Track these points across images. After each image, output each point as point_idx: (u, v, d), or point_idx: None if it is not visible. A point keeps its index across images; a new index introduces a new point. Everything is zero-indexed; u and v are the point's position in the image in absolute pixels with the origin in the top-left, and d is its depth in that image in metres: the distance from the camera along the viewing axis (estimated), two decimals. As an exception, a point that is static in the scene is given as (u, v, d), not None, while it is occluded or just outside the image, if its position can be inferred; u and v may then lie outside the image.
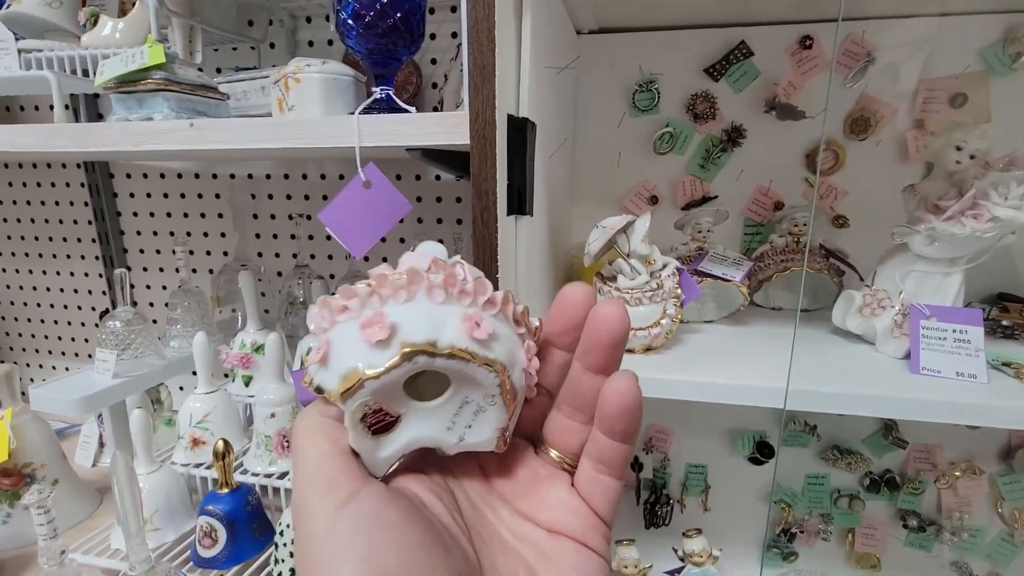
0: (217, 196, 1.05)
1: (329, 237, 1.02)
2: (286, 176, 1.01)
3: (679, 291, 0.60)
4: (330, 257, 1.03)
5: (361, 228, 0.51)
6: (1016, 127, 0.68)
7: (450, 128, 0.46)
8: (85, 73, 0.75)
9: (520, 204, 0.46)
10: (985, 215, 0.49)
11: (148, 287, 1.14)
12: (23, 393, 0.82)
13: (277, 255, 1.06)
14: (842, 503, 0.86)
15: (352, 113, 0.51)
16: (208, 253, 1.09)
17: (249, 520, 0.66)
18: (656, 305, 0.58)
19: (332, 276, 1.03)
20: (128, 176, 1.08)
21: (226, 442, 0.65)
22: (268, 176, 1.02)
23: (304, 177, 1.01)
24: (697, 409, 0.90)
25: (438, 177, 0.94)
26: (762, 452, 0.87)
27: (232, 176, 1.03)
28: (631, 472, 0.93)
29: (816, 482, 0.87)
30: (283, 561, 0.63)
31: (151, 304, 1.15)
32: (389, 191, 0.53)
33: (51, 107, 0.72)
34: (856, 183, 0.74)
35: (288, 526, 0.64)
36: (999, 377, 0.51)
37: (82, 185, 1.10)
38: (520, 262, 0.48)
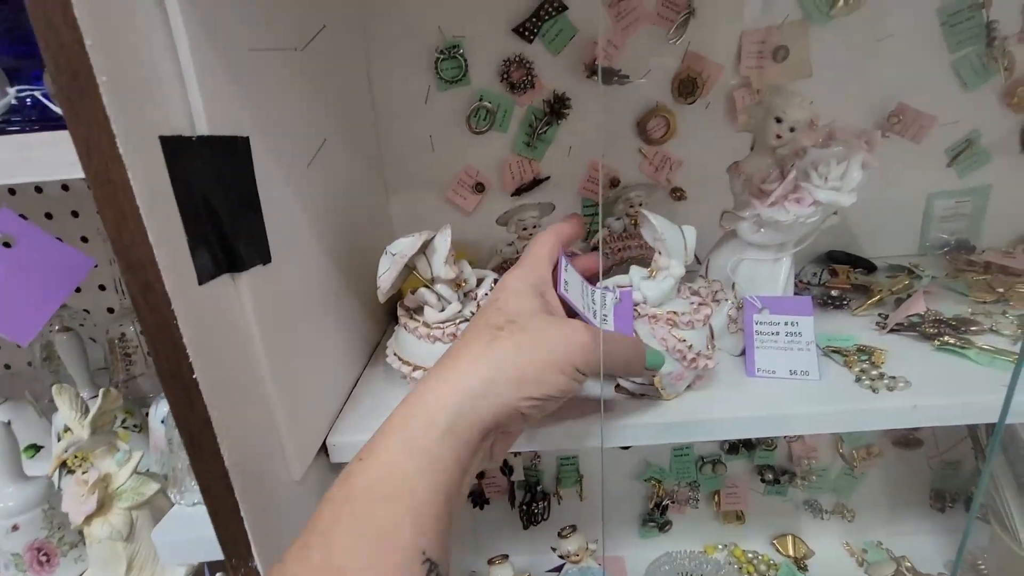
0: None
1: None
2: None
3: (501, 311, 0.50)
4: None
5: (19, 304, 0.33)
6: (837, 79, 0.65)
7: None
8: None
9: (233, 257, 0.32)
10: (807, 199, 0.44)
11: None
12: None
13: None
14: (706, 469, 0.87)
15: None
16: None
17: None
18: (472, 336, 0.48)
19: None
20: None
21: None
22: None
23: None
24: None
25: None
26: (628, 436, 0.84)
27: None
28: (503, 476, 0.87)
29: (682, 454, 0.87)
30: None
31: None
32: (48, 246, 0.36)
33: None
34: (690, 151, 0.68)
35: None
36: (830, 367, 0.48)
37: None
38: (259, 333, 0.35)
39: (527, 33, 0.61)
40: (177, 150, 0.28)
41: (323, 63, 0.49)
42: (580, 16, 0.62)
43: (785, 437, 0.84)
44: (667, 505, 0.89)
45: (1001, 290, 0.59)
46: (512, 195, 0.69)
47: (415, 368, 0.47)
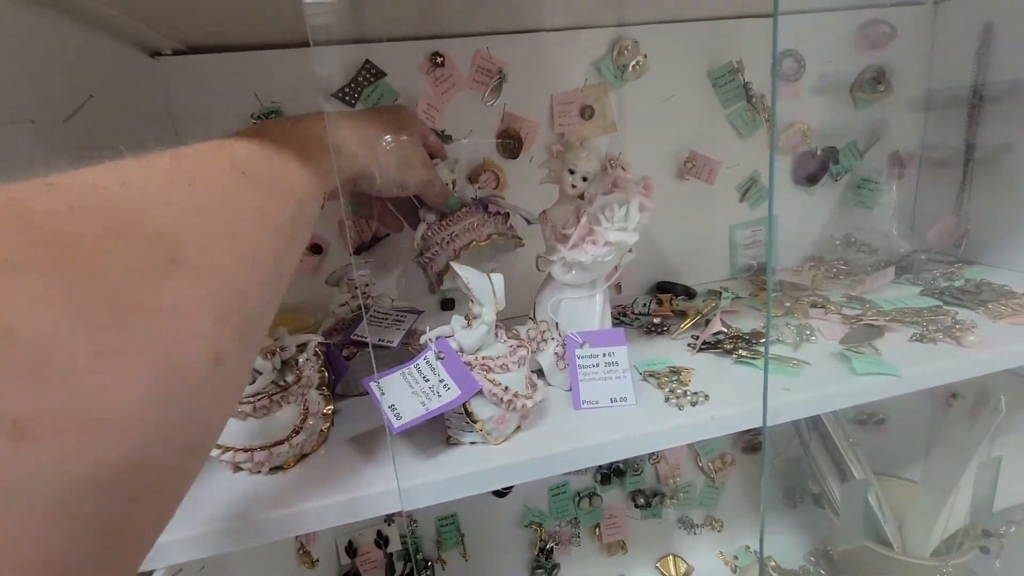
0: None
1: None
2: None
3: (325, 373, 0.48)
4: None
5: None
6: (639, 133, 0.73)
7: None
8: None
9: None
10: (601, 240, 0.48)
11: None
12: None
13: None
14: (584, 504, 0.88)
15: None
16: None
17: None
18: (292, 405, 0.45)
19: None
20: None
21: None
22: None
23: None
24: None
25: None
26: (503, 483, 0.84)
27: None
28: (378, 549, 0.82)
29: (559, 492, 0.88)
30: None
31: None
32: None
33: None
34: (521, 201, 0.72)
35: None
36: (646, 391, 0.52)
37: None
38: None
39: (348, 98, 0.63)
40: None
41: (97, 135, 0.46)
42: (399, 82, 0.64)
43: (649, 459, 0.89)
44: (552, 548, 0.88)
45: (788, 304, 0.68)
46: (353, 253, 0.68)
47: (225, 450, 0.44)
